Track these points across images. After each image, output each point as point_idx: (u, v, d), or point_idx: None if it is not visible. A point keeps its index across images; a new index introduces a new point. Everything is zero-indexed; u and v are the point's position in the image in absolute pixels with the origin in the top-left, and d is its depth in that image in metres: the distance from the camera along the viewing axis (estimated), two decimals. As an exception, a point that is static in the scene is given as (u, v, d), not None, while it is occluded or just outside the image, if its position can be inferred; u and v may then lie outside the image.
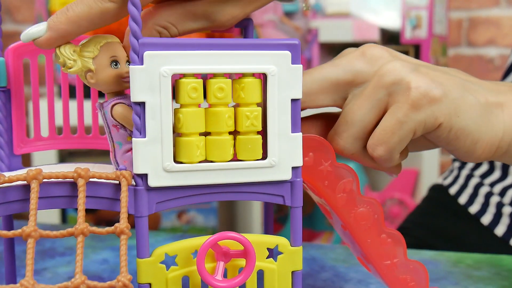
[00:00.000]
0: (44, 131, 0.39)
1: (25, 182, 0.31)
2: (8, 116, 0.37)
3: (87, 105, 0.40)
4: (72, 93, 0.40)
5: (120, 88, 0.35)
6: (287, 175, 0.34)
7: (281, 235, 0.36)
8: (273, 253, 0.37)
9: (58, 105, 0.39)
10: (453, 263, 0.53)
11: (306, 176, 0.37)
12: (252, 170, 0.34)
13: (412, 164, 1.22)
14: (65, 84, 0.39)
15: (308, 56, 1.18)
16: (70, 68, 0.34)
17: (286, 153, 0.34)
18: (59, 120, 0.39)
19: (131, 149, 0.34)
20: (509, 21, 1.42)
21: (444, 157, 1.44)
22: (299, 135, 0.34)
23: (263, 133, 0.34)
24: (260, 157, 0.34)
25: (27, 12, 1.48)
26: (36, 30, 0.33)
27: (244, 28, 0.39)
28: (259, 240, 0.35)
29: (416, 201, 1.22)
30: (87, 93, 0.39)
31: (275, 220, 1.31)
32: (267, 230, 0.41)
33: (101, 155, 1.13)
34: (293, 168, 0.35)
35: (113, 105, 0.34)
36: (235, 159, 0.34)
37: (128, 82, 0.34)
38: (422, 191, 1.18)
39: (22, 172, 0.35)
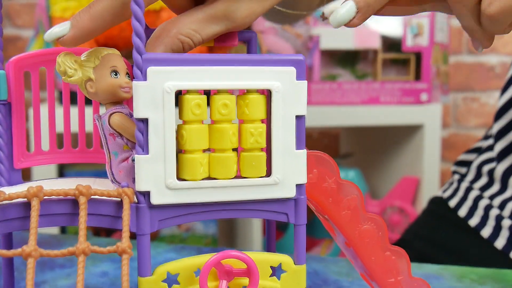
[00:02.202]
0: (45, 143, 0.38)
1: (25, 199, 0.31)
2: (8, 130, 0.37)
3: (88, 117, 0.39)
4: (72, 100, 0.39)
5: (119, 99, 0.34)
6: (291, 193, 0.34)
7: (281, 243, 0.35)
8: (275, 271, 0.36)
9: (59, 111, 0.38)
10: (457, 278, 0.52)
11: (310, 193, 0.36)
12: (256, 187, 0.33)
13: (412, 172, 1.22)
14: (66, 95, 0.39)
15: (309, 63, 1.17)
16: (70, 77, 0.34)
17: (290, 170, 0.34)
18: (59, 127, 0.39)
19: (127, 159, 0.34)
20: (510, 29, 1.42)
21: (444, 165, 1.44)
22: (304, 152, 0.34)
23: (267, 149, 0.34)
24: (264, 174, 0.34)
25: (27, 17, 1.48)
26: (60, 29, 0.33)
27: (247, 41, 0.39)
28: (262, 258, 0.35)
29: (417, 210, 1.22)
30: (88, 103, 0.39)
31: (276, 227, 1.31)
32: (269, 247, 0.41)
33: (103, 165, 1.12)
34: (297, 186, 0.34)
35: (110, 114, 0.34)
36: (238, 176, 0.34)
37: (128, 92, 0.34)
38: (423, 200, 1.18)
39: (22, 188, 0.35)
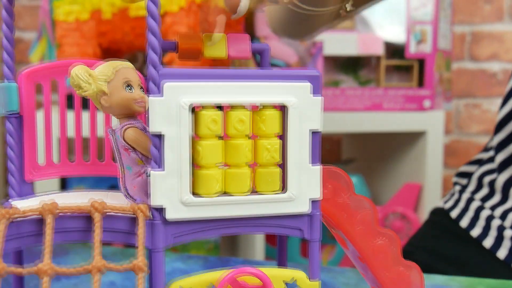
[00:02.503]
0: (55, 153, 0.38)
1: (39, 215, 0.30)
2: (19, 143, 0.36)
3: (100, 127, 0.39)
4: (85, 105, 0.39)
5: (133, 112, 0.34)
6: (305, 208, 0.34)
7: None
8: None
9: (70, 115, 0.38)
10: (465, 290, 0.52)
11: (325, 208, 0.36)
12: (271, 203, 0.33)
13: (415, 178, 1.22)
14: (78, 107, 0.39)
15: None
16: (85, 91, 0.33)
17: (305, 186, 0.34)
18: (70, 132, 0.38)
19: (142, 174, 0.34)
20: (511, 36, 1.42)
21: (446, 171, 1.43)
22: (319, 167, 0.34)
23: (282, 165, 0.34)
24: (279, 190, 0.34)
25: (29, 19, 1.47)
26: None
27: (260, 53, 0.39)
28: (276, 273, 0.34)
29: (419, 216, 1.22)
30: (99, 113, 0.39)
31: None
32: (281, 262, 0.40)
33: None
34: (312, 201, 0.34)
35: (125, 129, 0.33)
36: (253, 191, 0.33)
37: (142, 106, 0.34)
38: (425, 206, 1.18)
39: (34, 201, 0.34)
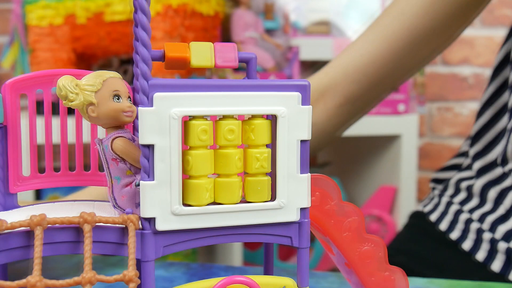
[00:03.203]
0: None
1: (28, 228, 0.30)
2: (3, 153, 0.36)
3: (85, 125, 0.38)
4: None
5: (121, 123, 0.34)
6: (295, 216, 0.34)
7: (257, 254, 0.35)
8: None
9: (55, 122, 0.38)
10: (446, 292, 0.53)
11: (313, 214, 0.36)
12: (261, 211, 0.33)
13: (390, 181, 1.23)
14: (63, 117, 0.38)
15: (288, 73, 1.18)
16: (72, 101, 0.33)
17: (294, 194, 0.34)
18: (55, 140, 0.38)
19: (130, 184, 0.34)
20: (482, 41, 1.46)
21: (421, 174, 1.46)
22: (308, 176, 0.34)
23: (271, 174, 0.34)
24: (268, 199, 0.34)
25: (1, 24, 1.45)
26: None
27: (247, 62, 0.39)
28: (266, 281, 0.35)
29: (394, 218, 1.23)
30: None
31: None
32: (267, 270, 0.41)
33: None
34: (301, 209, 0.34)
35: (113, 139, 0.33)
36: (243, 200, 0.34)
37: (130, 116, 0.34)
38: (400, 208, 1.19)
39: (20, 214, 0.34)
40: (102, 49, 1.12)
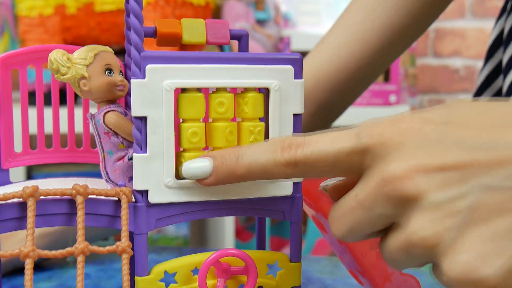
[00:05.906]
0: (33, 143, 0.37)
1: (21, 199, 0.30)
2: (-5, 129, 0.36)
3: (78, 114, 0.38)
4: (62, 100, 0.38)
5: (113, 97, 0.34)
6: (288, 191, 0.34)
7: (249, 245, 0.36)
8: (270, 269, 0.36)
9: (48, 112, 0.37)
10: (437, 273, 0.53)
11: (306, 190, 0.36)
12: (254, 185, 0.33)
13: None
14: (55, 94, 0.38)
15: (280, 64, 1.18)
16: (63, 75, 0.33)
17: (287, 168, 0.34)
18: (48, 128, 0.38)
19: (122, 157, 0.34)
20: (473, 33, 1.46)
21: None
22: (300, 150, 0.34)
23: (264, 148, 0.34)
24: (261, 172, 0.34)
25: (-10, 16, 1.43)
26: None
27: (239, 39, 0.39)
28: (259, 256, 0.35)
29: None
30: (78, 102, 0.38)
31: (245, 228, 1.31)
32: (260, 245, 0.41)
33: (73, 166, 1.10)
34: (294, 184, 0.34)
35: (105, 113, 0.33)
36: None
37: (122, 90, 0.34)
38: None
39: (14, 188, 0.34)
40: (92, 40, 1.12)
